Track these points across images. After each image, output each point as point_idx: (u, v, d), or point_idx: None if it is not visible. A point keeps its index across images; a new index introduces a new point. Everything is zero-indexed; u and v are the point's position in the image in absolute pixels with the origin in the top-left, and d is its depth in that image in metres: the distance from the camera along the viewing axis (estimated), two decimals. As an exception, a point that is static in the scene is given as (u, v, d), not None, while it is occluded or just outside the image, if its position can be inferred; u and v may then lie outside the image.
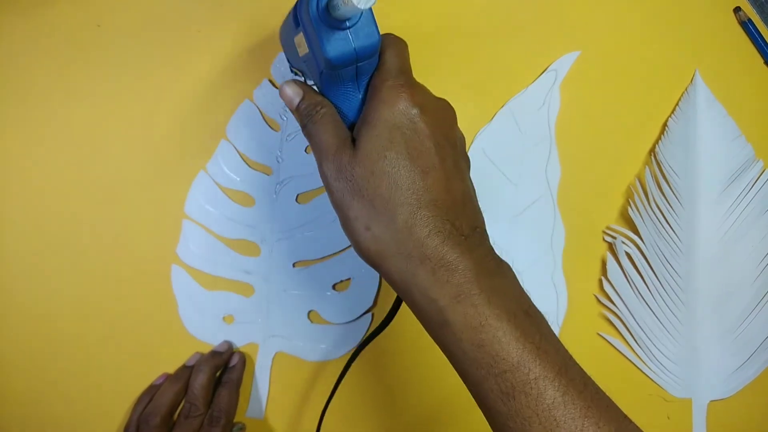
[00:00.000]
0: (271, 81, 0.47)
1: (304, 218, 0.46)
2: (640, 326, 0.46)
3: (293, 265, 0.46)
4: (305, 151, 0.47)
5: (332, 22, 0.29)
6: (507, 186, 0.47)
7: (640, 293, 0.46)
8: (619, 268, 0.46)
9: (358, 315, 0.45)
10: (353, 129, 0.32)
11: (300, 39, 0.32)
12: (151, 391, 0.43)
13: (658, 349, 0.45)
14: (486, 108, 0.49)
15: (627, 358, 0.45)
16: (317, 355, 0.45)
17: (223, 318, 0.45)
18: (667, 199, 0.47)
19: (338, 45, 0.29)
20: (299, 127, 0.48)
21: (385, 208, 0.29)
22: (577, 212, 0.47)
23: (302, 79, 0.38)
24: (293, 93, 0.34)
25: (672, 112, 0.48)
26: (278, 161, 0.47)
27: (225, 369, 0.44)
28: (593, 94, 0.49)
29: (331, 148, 0.31)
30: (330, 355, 0.45)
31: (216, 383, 0.43)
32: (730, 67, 0.49)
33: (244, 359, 0.45)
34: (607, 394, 0.45)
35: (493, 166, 0.47)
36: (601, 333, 0.46)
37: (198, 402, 0.41)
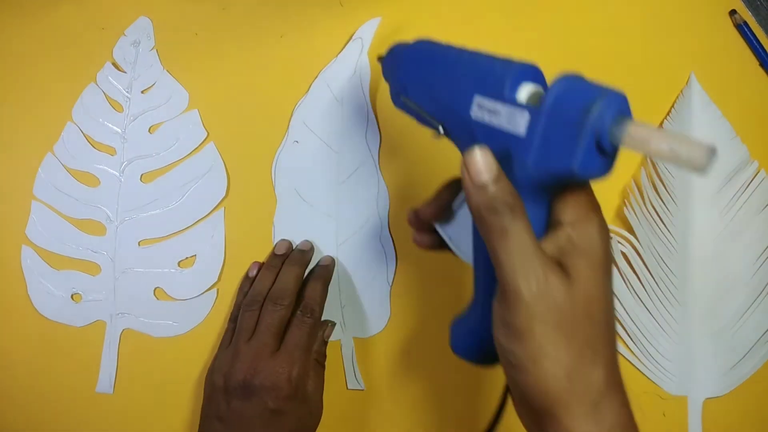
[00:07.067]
0: (113, 64, 0.49)
1: (148, 197, 0.48)
2: (636, 325, 0.46)
3: (138, 244, 0.47)
4: (148, 131, 0.48)
5: (602, 141, 0.24)
6: (330, 154, 0.48)
7: (636, 292, 0.47)
8: (615, 268, 0.47)
9: (203, 290, 0.47)
10: None
11: (506, 110, 0.26)
12: (250, 281, 0.45)
13: (654, 347, 0.46)
14: (301, 80, 0.49)
15: (623, 356, 0.46)
16: (164, 331, 0.46)
17: (71, 296, 0.47)
18: (662, 200, 0.47)
19: (594, 163, 0.24)
20: (143, 109, 0.48)
21: (595, 353, 0.25)
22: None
23: (440, 131, 0.32)
24: (485, 166, 0.26)
25: (668, 114, 0.49)
26: (122, 142, 0.48)
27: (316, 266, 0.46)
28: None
29: (533, 274, 0.25)
30: (176, 330, 0.46)
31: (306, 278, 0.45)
32: (726, 69, 0.50)
33: (333, 261, 0.46)
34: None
35: (315, 136, 0.48)
36: (597, 331, 0.46)
37: (287, 293, 0.42)
